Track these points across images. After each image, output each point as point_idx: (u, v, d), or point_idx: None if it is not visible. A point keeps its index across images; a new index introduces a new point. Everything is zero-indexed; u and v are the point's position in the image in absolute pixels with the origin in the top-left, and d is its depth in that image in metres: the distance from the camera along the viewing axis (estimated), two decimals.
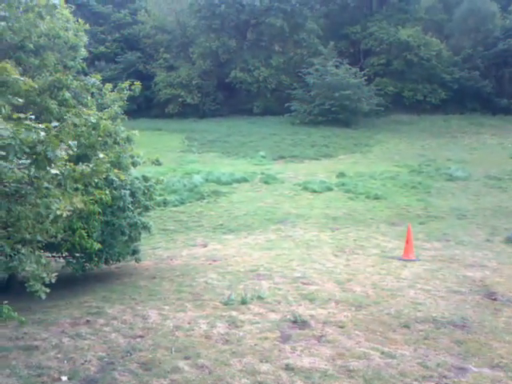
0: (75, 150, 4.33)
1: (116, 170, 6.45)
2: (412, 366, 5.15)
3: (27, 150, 3.93)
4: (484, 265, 9.76)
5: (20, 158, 4.04)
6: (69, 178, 4.39)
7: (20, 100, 4.78)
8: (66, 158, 4.26)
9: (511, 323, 6.48)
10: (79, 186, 5.08)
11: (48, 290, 4.78)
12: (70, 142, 4.25)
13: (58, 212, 4.55)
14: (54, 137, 3.99)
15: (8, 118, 4.20)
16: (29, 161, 4.09)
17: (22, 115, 4.04)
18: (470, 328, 6.26)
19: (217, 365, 5.12)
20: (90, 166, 4.49)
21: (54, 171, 4.12)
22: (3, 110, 4.28)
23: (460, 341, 5.84)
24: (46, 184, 4.36)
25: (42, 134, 3.95)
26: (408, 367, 5.10)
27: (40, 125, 4.04)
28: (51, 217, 4.58)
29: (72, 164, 4.53)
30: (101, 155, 4.67)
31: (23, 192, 4.46)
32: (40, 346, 5.67)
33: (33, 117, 4.13)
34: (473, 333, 6.10)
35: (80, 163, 4.77)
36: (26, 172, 4.13)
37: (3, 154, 3.79)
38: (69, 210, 4.65)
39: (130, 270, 10.23)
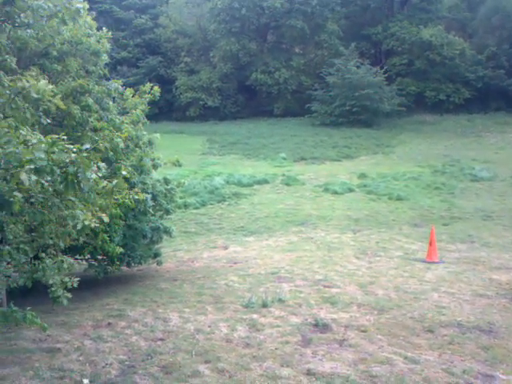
0: (103, 171, 4.37)
1: (136, 190, 6.47)
2: (436, 372, 5.02)
3: (58, 171, 3.99)
4: (511, 267, 9.52)
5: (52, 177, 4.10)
6: (92, 192, 4.44)
7: (48, 121, 4.86)
8: (95, 178, 4.30)
9: None
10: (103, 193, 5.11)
11: (70, 296, 4.82)
12: (98, 164, 4.30)
13: (86, 222, 4.60)
14: (85, 158, 4.05)
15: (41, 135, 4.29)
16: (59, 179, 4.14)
17: (54, 136, 4.12)
18: (497, 333, 6.09)
19: (237, 369, 5.09)
20: (113, 183, 4.52)
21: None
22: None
23: (486, 346, 5.68)
24: (70, 197, 4.41)
25: (73, 155, 4.02)
26: (432, 373, 4.98)
27: (72, 146, 4.11)
28: (78, 227, 4.63)
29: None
30: (124, 172, 4.70)
31: (49, 204, 4.53)
32: (63, 348, 5.72)
33: (65, 137, 4.21)
34: (500, 338, 5.94)
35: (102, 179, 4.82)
36: (52, 186, 4.17)
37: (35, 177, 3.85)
38: (95, 222, 4.70)
39: (152, 272, 10.30)
